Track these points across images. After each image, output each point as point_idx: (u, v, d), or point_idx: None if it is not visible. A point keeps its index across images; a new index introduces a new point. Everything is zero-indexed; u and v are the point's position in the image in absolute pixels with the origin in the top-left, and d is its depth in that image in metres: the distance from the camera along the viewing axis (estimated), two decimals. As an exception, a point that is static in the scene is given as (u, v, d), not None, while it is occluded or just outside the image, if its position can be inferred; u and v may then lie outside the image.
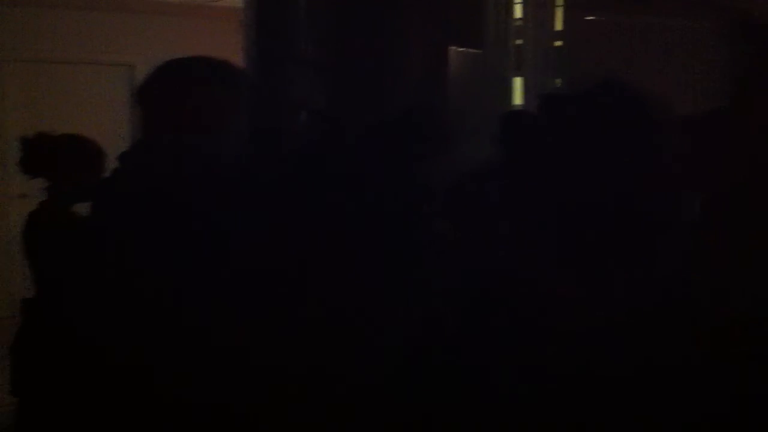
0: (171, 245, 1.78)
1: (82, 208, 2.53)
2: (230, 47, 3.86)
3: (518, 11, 4.28)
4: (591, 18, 4.36)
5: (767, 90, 1.92)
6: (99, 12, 6.85)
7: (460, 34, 3.19)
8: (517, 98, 4.43)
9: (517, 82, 4.42)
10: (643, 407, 1.49)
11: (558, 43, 4.45)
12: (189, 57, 2.05)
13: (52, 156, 3.18)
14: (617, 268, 1.60)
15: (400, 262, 2.08)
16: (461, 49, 3.36)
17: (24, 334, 3.12)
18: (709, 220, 1.86)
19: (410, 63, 2.37)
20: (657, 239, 1.64)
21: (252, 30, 2.77)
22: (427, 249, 2.31)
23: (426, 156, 2.31)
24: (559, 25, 4.40)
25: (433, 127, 2.29)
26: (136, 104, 2.01)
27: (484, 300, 1.69)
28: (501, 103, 4.17)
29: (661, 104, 1.65)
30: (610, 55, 4.25)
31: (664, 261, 1.63)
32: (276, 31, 2.64)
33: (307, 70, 2.58)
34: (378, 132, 2.19)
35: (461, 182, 2.14)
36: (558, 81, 4.48)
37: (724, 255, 1.70)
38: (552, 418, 1.51)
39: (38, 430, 2.85)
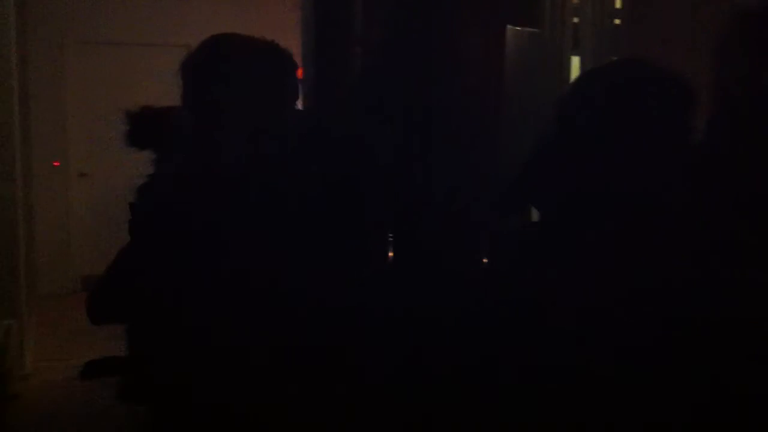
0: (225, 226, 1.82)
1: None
2: (287, 28, 3.87)
3: (576, -11, 4.23)
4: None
5: None
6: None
7: (518, 13, 3.16)
8: (574, 77, 4.39)
9: (575, 61, 4.38)
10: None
11: (616, 21, 4.39)
12: (229, 34, 2.06)
13: (158, 128, 3.23)
14: (676, 256, 1.59)
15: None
16: (518, 29, 3.33)
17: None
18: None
19: (468, 44, 2.36)
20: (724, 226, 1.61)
21: (309, 11, 2.78)
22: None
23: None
24: (618, 3, 4.34)
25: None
26: (180, 80, 2.03)
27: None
28: (558, 83, 4.14)
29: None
30: (670, 33, 4.17)
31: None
32: (333, 13, 2.64)
33: (365, 52, 2.58)
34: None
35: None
36: (615, 59, 4.43)
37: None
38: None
39: None
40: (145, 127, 3.32)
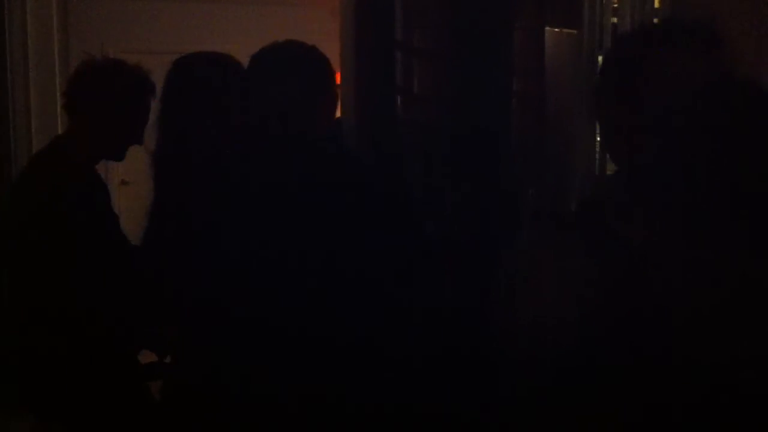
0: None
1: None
2: (327, 34, 3.89)
3: (615, -11, 4.19)
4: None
5: None
6: (199, 2, 7.00)
7: (556, 14, 3.15)
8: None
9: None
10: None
11: (656, 21, 4.34)
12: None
13: None
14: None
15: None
16: (557, 30, 3.32)
17: None
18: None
19: (507, 45, 2.36)
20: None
21: (349, 16, 2.79)
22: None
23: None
24: (657, 3, 4.30)
25: None
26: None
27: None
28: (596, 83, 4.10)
29: None
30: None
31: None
32: (373, 16, 2.65)
33: (406, 56, 2.59)
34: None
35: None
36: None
37: None
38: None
39: None
40: None
